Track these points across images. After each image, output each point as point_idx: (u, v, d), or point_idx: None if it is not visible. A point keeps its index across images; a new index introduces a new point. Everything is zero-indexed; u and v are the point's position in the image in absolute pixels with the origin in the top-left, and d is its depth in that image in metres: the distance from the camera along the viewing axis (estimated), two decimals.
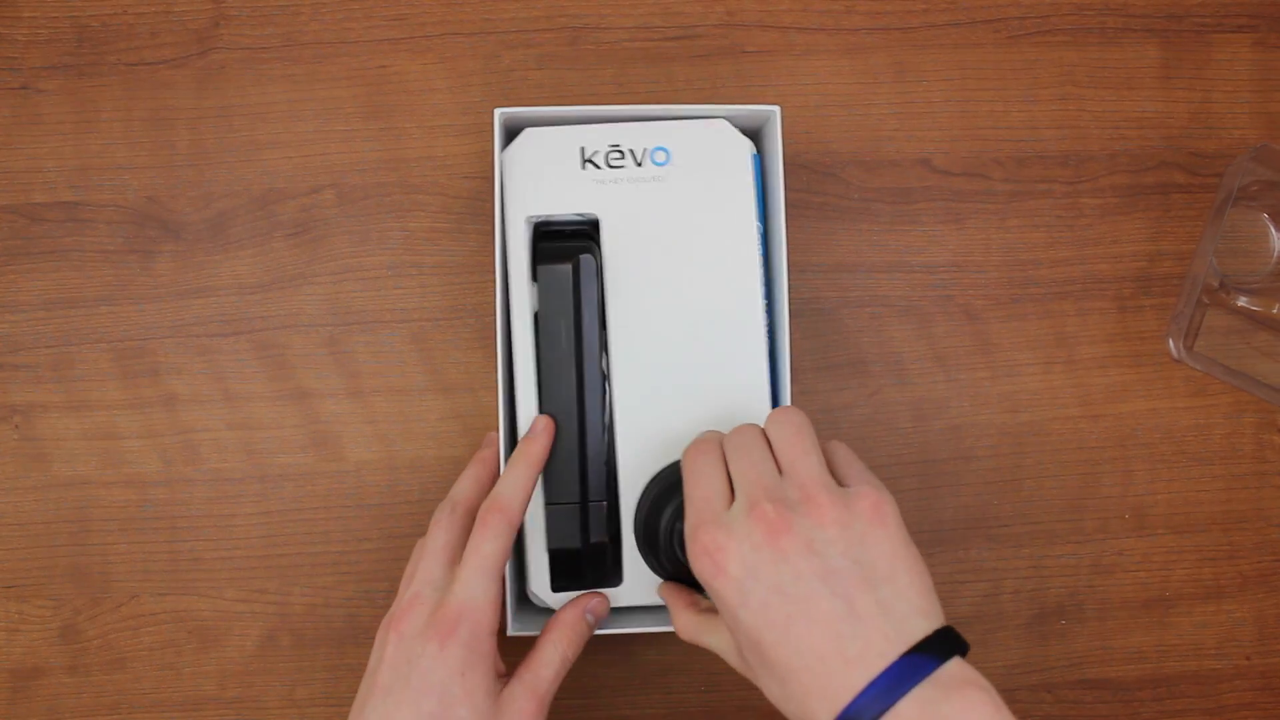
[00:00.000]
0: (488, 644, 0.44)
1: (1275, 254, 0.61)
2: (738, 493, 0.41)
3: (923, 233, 0.59)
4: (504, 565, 0.46)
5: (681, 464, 0.46)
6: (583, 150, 0.51)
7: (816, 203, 0.59)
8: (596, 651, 0.58)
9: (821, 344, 0.59)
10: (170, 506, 0.57)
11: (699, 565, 0.41)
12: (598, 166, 0.51)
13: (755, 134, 0.54)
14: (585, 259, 0.50)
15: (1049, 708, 0.59)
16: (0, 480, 0.57)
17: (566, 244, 0.51)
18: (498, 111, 0.50)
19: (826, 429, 0.59)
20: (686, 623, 0.47)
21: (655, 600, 0.52)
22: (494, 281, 0.57)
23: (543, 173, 0.51)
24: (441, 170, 0.58)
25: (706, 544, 0.40)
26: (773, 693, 0.40)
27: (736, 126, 0.53)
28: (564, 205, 0.51)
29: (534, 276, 0.51)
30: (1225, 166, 0.60)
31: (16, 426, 0.57)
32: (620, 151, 0.51)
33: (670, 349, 0.51)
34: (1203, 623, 0.59)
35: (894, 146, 0.59)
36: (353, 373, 0.58)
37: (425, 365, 0.58)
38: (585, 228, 0.52)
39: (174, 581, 0.57)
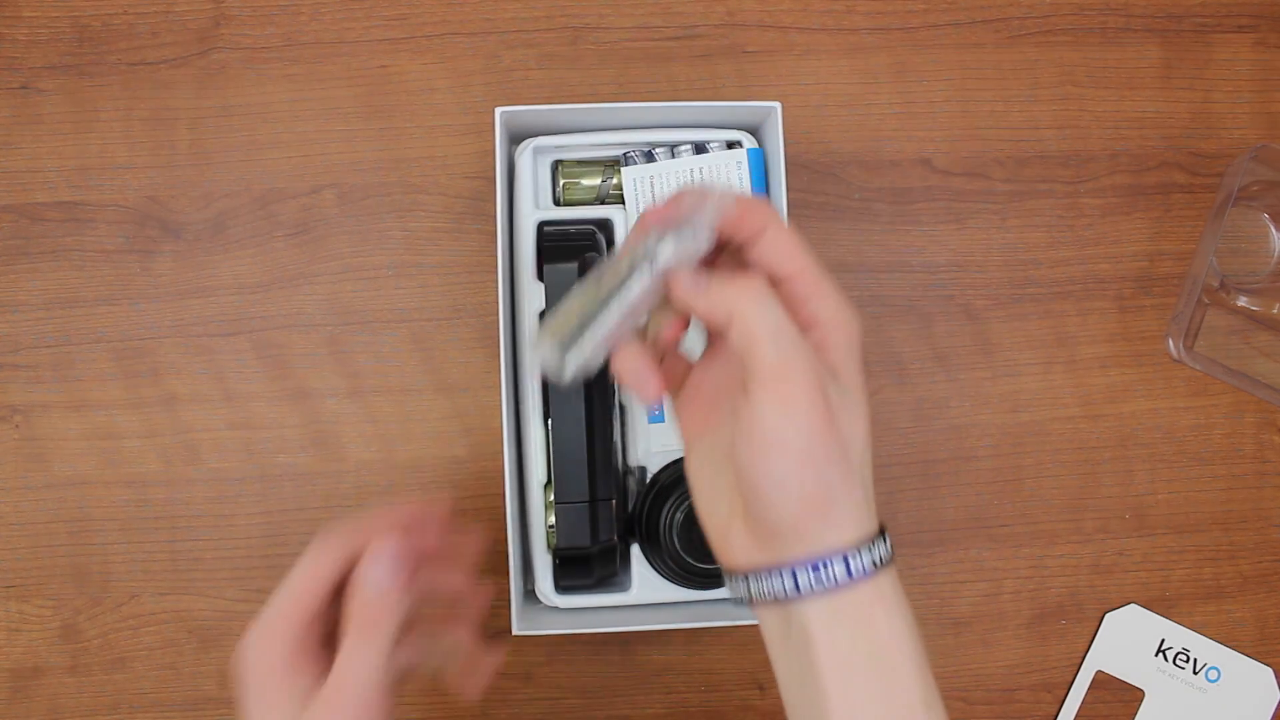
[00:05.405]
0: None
1: (1275, 254, 0.61)
2: None
3: (923, 233, 0.59)
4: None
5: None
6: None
7: (817, 203, 0.59)
8: (596, 651, 0.58)
9: None
10: (170, 506, 0.57)
11: None
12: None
13: (756, 131, 0.54)
14: (591, 257, 0.50)
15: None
16: (0, 480, 0.57)
17: (572, 243, 0.50)
18: (498, 111, 0.50)
19: None
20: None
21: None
22: (494, 281, 0.57)
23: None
24: (442, 170, 0.58)
25: None
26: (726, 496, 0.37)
27: (737, 125, 0.53)
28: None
29: (539, 276, 0.51)
30: (1225, 166, 0.60)
31: (16, 426, 0.57)
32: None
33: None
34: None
35: (894, 146, 0.59)
36: (353, 373, 0.58)
37: (425, 365, 0.58)
38: (591, 228, 0.52)
39: (174, 581, 0.57)
